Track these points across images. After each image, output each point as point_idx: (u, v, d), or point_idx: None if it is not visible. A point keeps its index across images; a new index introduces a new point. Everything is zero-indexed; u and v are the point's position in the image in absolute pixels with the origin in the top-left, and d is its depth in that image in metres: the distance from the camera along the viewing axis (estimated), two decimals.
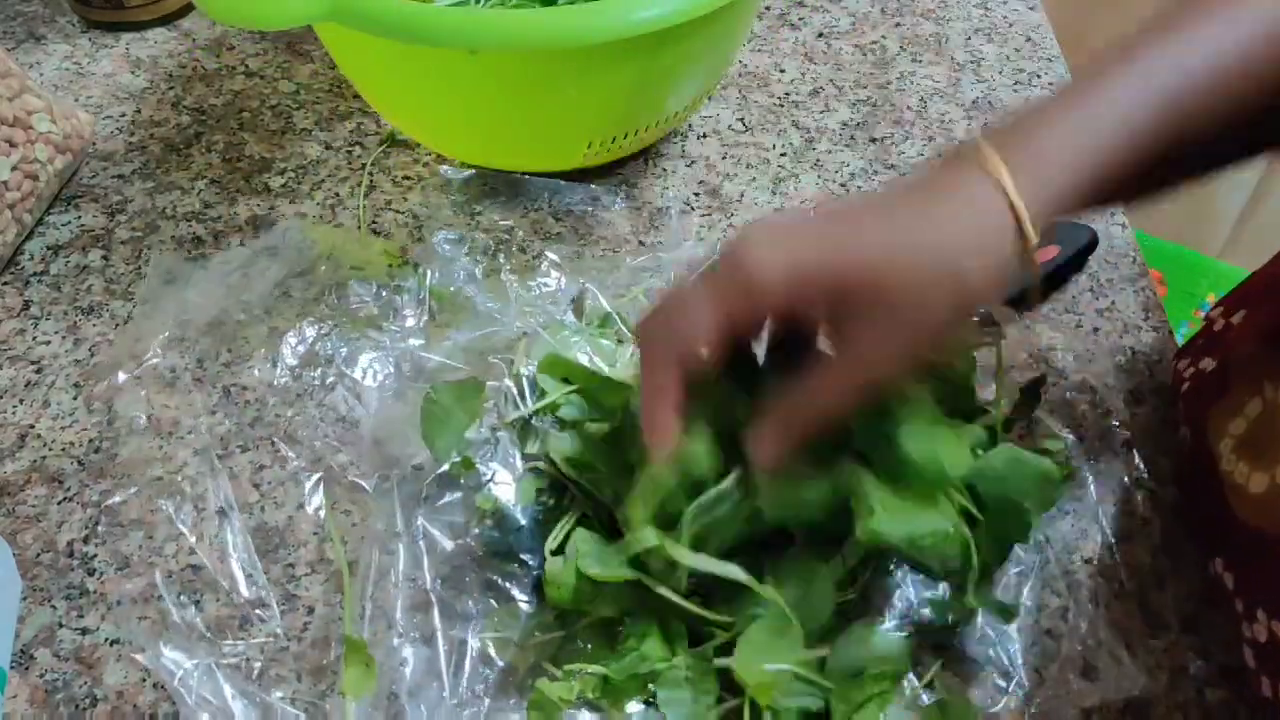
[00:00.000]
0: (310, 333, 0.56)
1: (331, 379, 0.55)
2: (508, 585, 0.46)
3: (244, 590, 0.47)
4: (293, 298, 0.58)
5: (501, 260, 0.60)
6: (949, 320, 0.38)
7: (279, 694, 0.44)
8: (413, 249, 0.61)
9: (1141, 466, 0.52)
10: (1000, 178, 0.37)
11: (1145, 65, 0.38)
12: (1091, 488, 0.51)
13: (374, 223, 0.63)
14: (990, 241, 0.37)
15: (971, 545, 0.43)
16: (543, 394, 0.50)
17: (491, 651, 0.44)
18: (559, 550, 0.45)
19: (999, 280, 0.37)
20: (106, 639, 0.46)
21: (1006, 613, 0.45)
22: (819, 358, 0.41)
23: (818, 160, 0.68)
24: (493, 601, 0.46)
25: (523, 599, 0.46)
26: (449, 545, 0.47)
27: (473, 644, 0.45)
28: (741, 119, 0.71)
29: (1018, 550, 0.48)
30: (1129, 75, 0.38)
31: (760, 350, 0.44)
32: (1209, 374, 0.52)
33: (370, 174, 0.66)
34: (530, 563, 0.47)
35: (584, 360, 0.52)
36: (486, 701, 0.43)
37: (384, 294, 0.58)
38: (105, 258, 0.61)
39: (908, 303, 0.37)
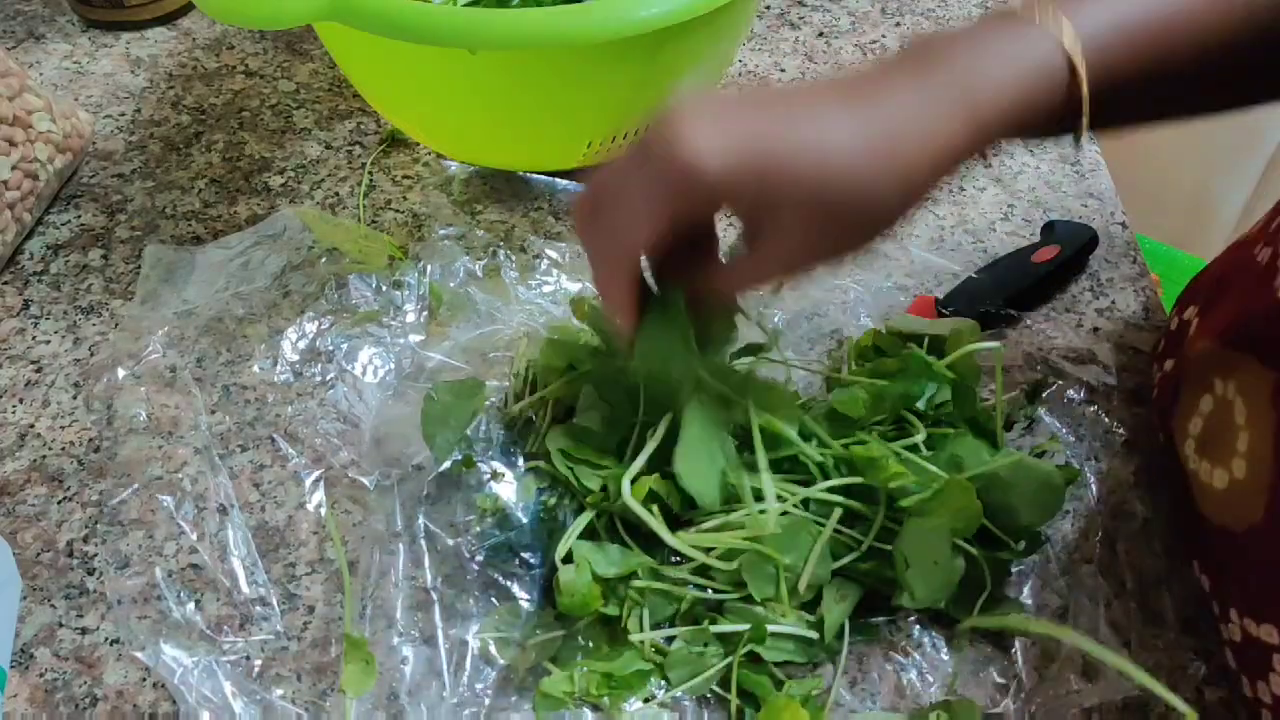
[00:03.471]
0: (310, 329, 0.56)
1: (332, 375, 0.55)
2: (508, 584, 0.46)
3: (244, 589, 0.47)
4: (292, 292, 0.58)
5: (502, 259, 0.60)
6: (886, 223, 0.38)
7: (279, 692, 0.44)
8: (413, 248, 0.61)
9: (1141, 467, 0.52)
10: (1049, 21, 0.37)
11: None
12: (1092, 488, 0.51)
13: (374, 222, 0.63)
14: (1026, 86, 0.36)
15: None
16: (544, 384, 0.50)
17: (492, 650, 0.44)
18: (568, 559, 0.45)
19: (947, 170, 0.37)
20: (106, 638, 0.46)
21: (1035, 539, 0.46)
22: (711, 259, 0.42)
23: None
24: (493, 600, 0.46)
25: (523, 597, 0.46)
26: (449, 544, 0.47)
27: (473, 643, 0.45)
28: None
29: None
30: None
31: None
32: (1169, 374, 0.52)
33: (370, 173, 0.66)
34: (531, 561, 0.47)
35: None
36: (487, 701, 0.43)
37: (384, 290, 0.58)
38: (105, 257, 0.61)
39: (846, 204, 0.36)
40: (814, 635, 0.44)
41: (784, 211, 0.36)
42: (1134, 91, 0.39)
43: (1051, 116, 0.38)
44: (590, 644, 0.44)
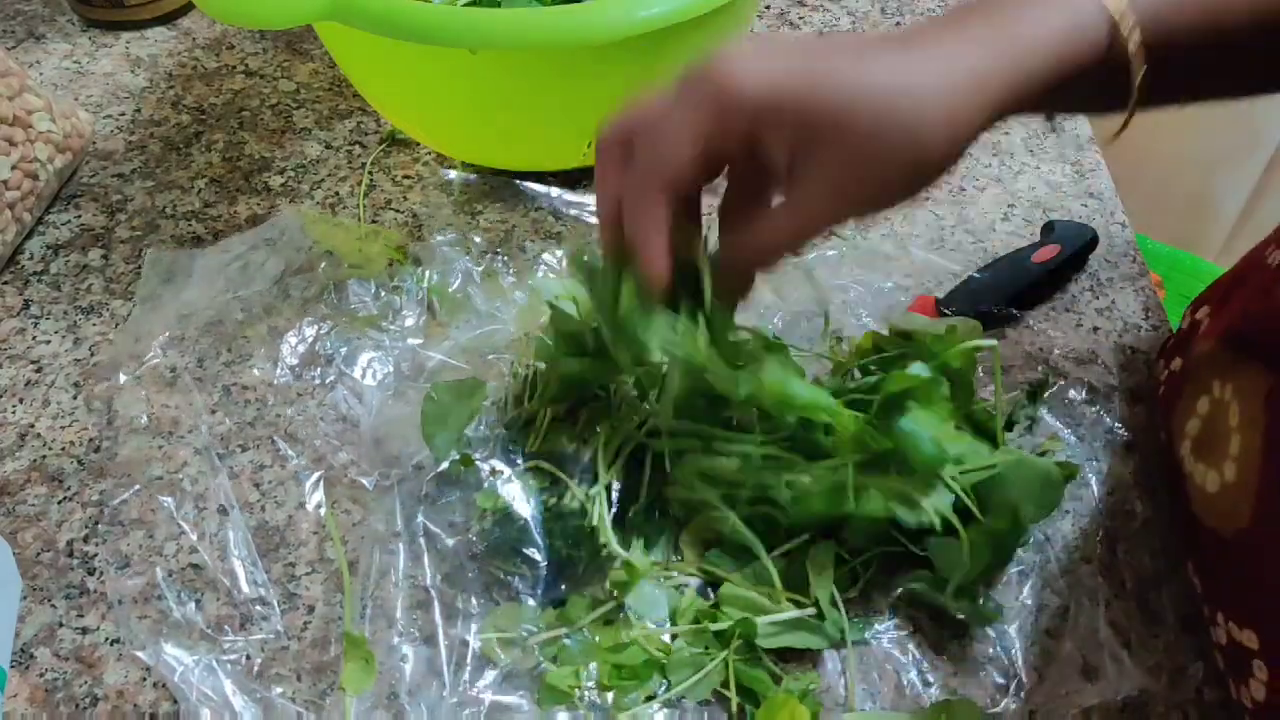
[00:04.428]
0: (310, 332, 0.56)
1: (332, 378, 0.55)
2: (508, 583, 0.46)
3: (244, 589, 0.47)
4: (292, 296, 0.58)
5: (502, 260, 0.60)
6: (930, 168, 0.37)
7: (279, 691, 0.44)
8: (413, 249, 0.61)
9: (1141, 467, 0.52)
10: None
11: None
12: (1092, 487, 0.51)
13: (374, 222, 0.63)
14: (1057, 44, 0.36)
15: (965, 544, 0.43)
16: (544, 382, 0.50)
17: (495, 649, 0.44)
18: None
19: (991, 117, 0.36)
20: (106, 638, 0.46)
21: (984, 618, 0.46)
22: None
23: None
24: (494, 599, 0.46)
25: (524, 596, 0.46)
26: (449, 543, 0.47)
27: (473, 642, 0.45)
28: None
29: (1018, 550, 0.48)
30: None
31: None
32: (1175, 374, 0.52)
33: (370, 173, 0.66)
34: (532, 560, 0.47)
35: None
36: (487, 700, 0.43)
37: (383, 293, 0.58)
38: (105, 257, 0.61)
39: (891, 140, 0.35)
40: (811, 613, 0.45)
41: (826, 148, 0.36)
42: (1184, 60, 0.38)
43: (1097, 77, 0.37)
44: (596, 638, 0.44)
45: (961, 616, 0.46)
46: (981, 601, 0.46)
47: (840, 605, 0.45)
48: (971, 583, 0.45)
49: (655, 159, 0.37)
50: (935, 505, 0.43)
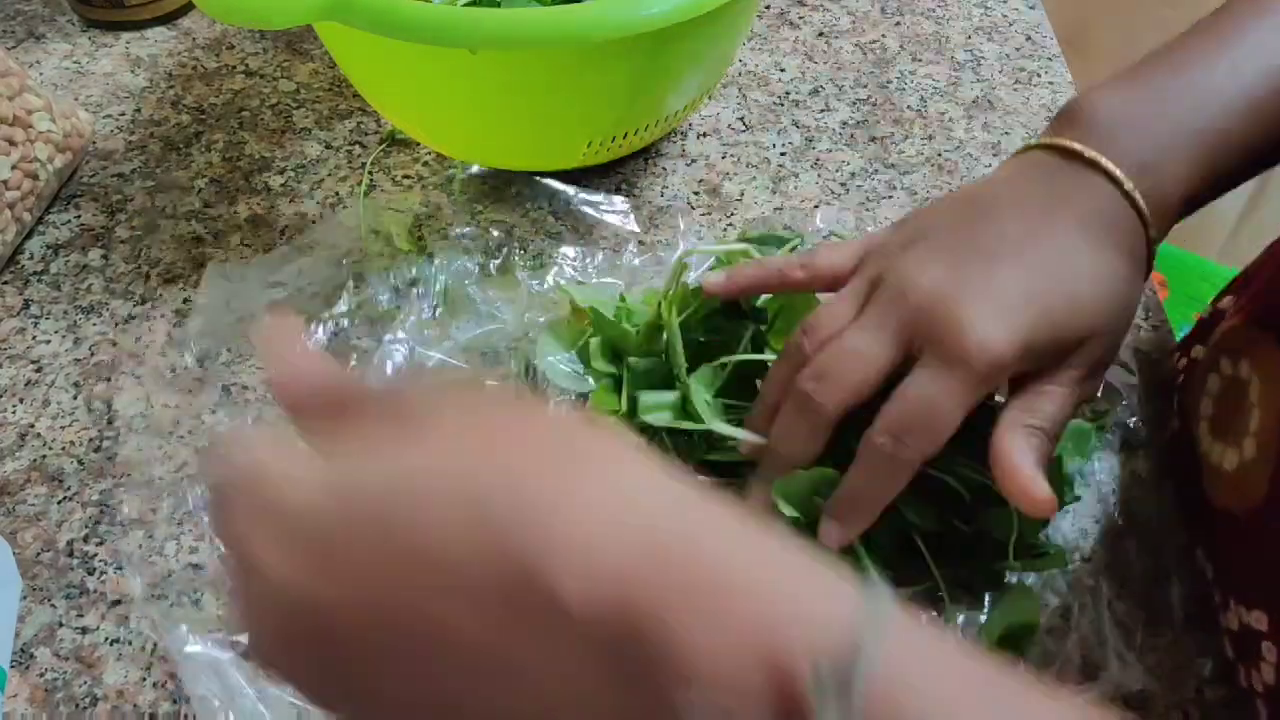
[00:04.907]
0: (312, 329, 0.56)
1: None
2: None
3: None
4: (293, 296, 0.58)
5: (501, 259, 0.60)
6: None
7: (279, 691, 0.44)
8: (428, 243, 0.61)
9: (1142, 465, 0.52)
10: (1112, 172, 0.40)
11: (1256, 35, 0.40)
12: (1093, 486, 0.51)
13: (374, 222, 0.63)
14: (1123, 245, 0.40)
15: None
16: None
17: None
18: None
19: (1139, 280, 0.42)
20: (106, 638, 0.46)
21: (1052, 564, 0.46)
22: None
23: (818, 159, 0.68)
24: None
25: None
26: None
27: None
28: (741, 118, 0.71)
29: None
30: (1242, 43, 0.41)
31: None
32: (1198, 362, 0.52)
33: (370, 173, 0.66)
34: None
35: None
36: None
37: (387, 290, 0.58)
38: (105, 257, 0.61)
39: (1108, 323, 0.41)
40: None
41: (1083, 343, 0.40)
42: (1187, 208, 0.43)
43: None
44: None
45: (1029, 576, 0.46)
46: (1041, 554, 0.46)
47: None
48: (1028, 540, 0.45)
49: (844, 382, 0.39)
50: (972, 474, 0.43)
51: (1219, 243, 1.44)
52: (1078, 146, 0.42)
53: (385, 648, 0.22)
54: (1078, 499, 0.46)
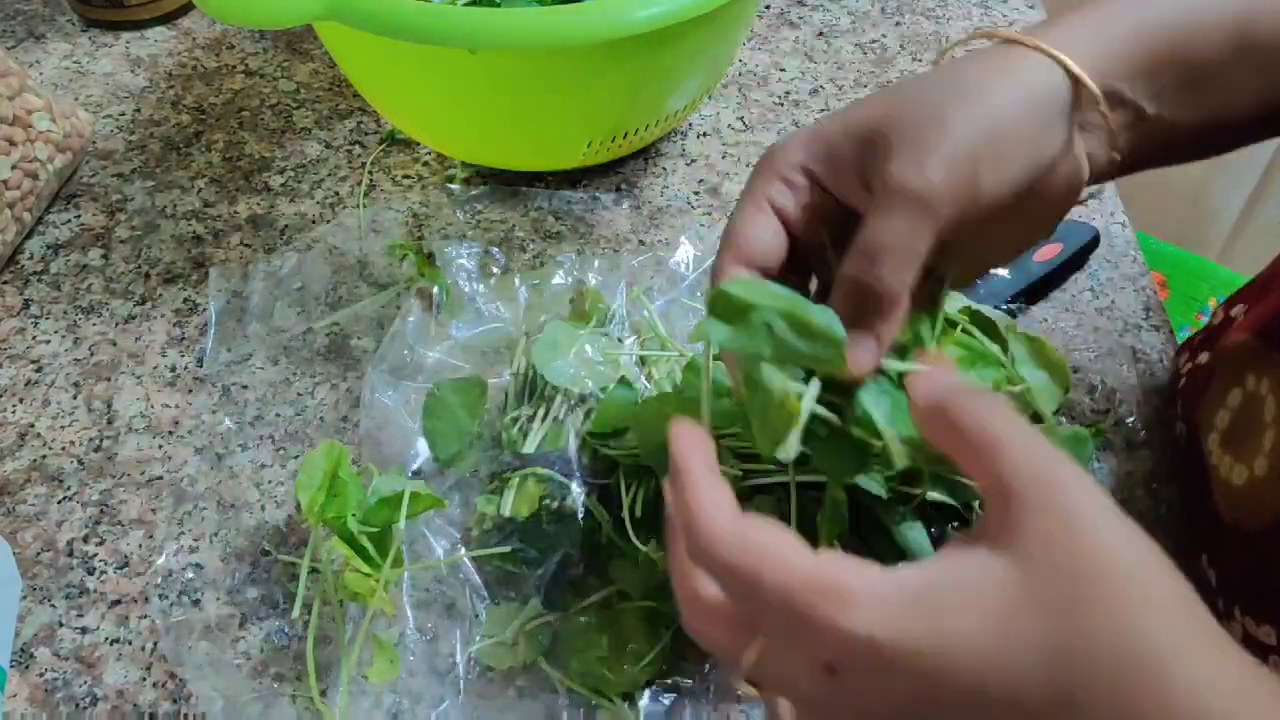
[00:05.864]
0: (312, 330, 0.56)
1: (334, 378, 0.55)
2: (507, 586, 0.46)
3: (244, 589, 0.47)
4: (293, 296, 0.58)
5: (502, 259, 0.60)
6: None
7: (279, 690, 0.44)
8: (427, 244, 0.61)
9: (1142, 466, 0.52)
10: (1043, 47, 0.34)
11: None
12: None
13: (374, 222, 0.63)
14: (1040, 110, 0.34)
15: None
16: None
17: (492, 650, 0.44)
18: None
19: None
20: (106, 638, 0.46)
21: None
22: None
23: None
24: (492, 602, 0.46)
25: (524, 597, 0.46)
26: (449, 545, 0.47)
27: (472, 644, 0.45)
28: (741, 118, 0.71)
29: None
30: None
31: None
32: (1203, 367, 0.52)
33: (370, 173, 0.66)
34: (532, 560, 0.47)
35: (589, 352, 0.52)
36: (486, 700, 0.43)
37: (387, 290, 0.58)
38: (105, 257, 0.61)
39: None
40: None
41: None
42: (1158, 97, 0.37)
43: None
44: (593, 626, 0.44)
45: None
46: None
47: None
48: None
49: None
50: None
51: (1219, 243, 1.44)
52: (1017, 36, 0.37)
53: None
54: None
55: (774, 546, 0.27)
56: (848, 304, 0.34)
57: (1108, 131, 0.36)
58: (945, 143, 0.33)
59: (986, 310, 0.49)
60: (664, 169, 0.67)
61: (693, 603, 0.31)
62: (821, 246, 0.38)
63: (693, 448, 0.30)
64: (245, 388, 0.55)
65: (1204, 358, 0.52)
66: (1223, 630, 0.27)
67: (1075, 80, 0.35)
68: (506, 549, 0.46)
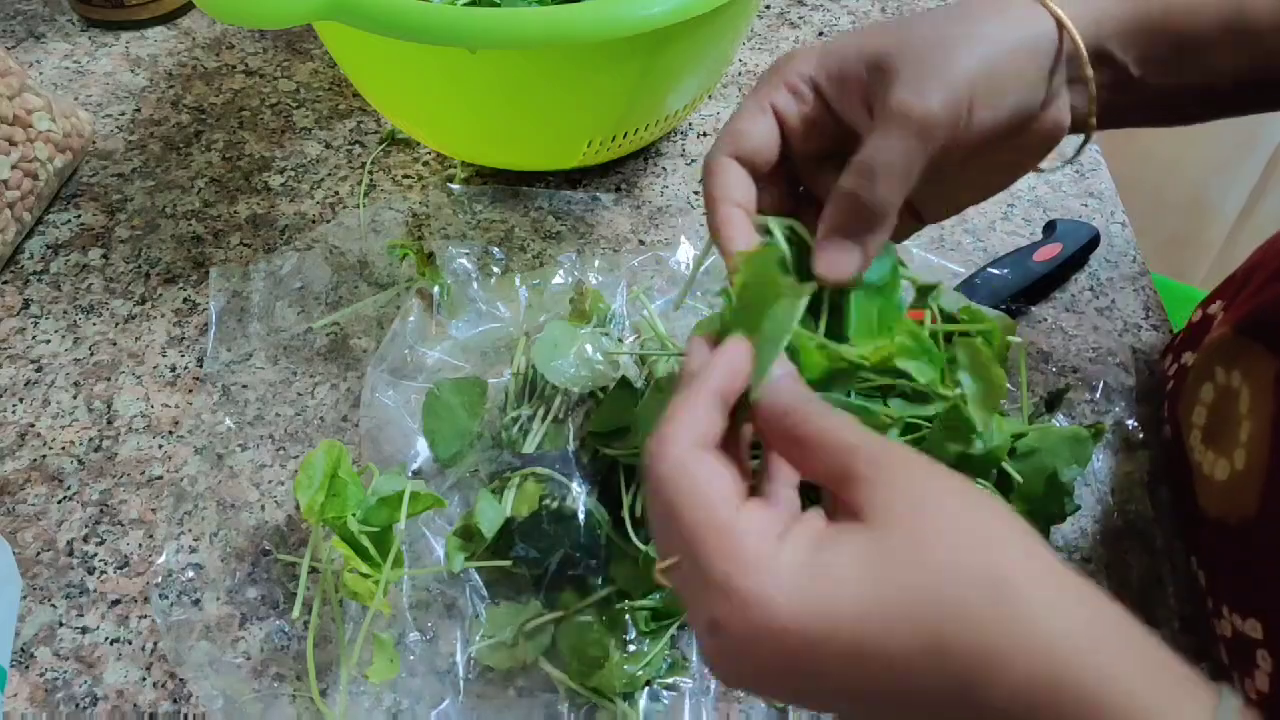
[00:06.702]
0: (312, 330, 0.56)
1: (333, 377, 0.55)
2: (507, 585, 0.46)
3: (244, 589, 0.47)
4: (293, 297, 0.58)
5: (502, 259, 0.60)
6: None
7: (279, 689, 0.44)
8: (427, 244, 0.61)
9: (1142, 466, 0.52)
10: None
11: None
12: (1093, 487, 0.51)
13: (374, 222, 0.63)
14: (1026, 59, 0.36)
15: (1017, 505, 0.43)
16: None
17: (491, 650, 0.44)
18: None
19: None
20: (106, 638, 0.46)
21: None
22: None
23: None
24: (492, 601, 0.46)
25: (524, 596, 0.46)
26: (449, 544, 0.47)
27: (472, 644, 0.45)
28: None
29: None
30: None
31: None
32: (1186, 368, 0.52)
33: (370, 173, 0.66)
34: (531, 560, 0.47)
35: (589, 352, 0.52)
36: (486, 700, 0.43)
37: (387, 291, 0.58)
38: (105, 257, 0.61)
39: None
40: None
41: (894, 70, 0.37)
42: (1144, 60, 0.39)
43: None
44: (592, 626, 0.44)
45: None
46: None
47: None
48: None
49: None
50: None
51: (1219, 243, 1.44)
52: None
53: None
54: (1077, 508, 0.46)
55: (704, 488, 0.29)
56: (842, 217, 0.36)
57: (1093, 86, 0.38)
58: (947, 73, 0.35)
59: (987, 310, 0.49)
60: (664, 169, 0.67)
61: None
62: (811, 160, 0.40)
63: (721, 368, 0.32)
64: (245, 387, 0.55)
65: (1188, 358, 0.53)
66: (1060, 558, 0.28)
67: (1065, 33, 0.37)
68: (506, 561, 0.46)
